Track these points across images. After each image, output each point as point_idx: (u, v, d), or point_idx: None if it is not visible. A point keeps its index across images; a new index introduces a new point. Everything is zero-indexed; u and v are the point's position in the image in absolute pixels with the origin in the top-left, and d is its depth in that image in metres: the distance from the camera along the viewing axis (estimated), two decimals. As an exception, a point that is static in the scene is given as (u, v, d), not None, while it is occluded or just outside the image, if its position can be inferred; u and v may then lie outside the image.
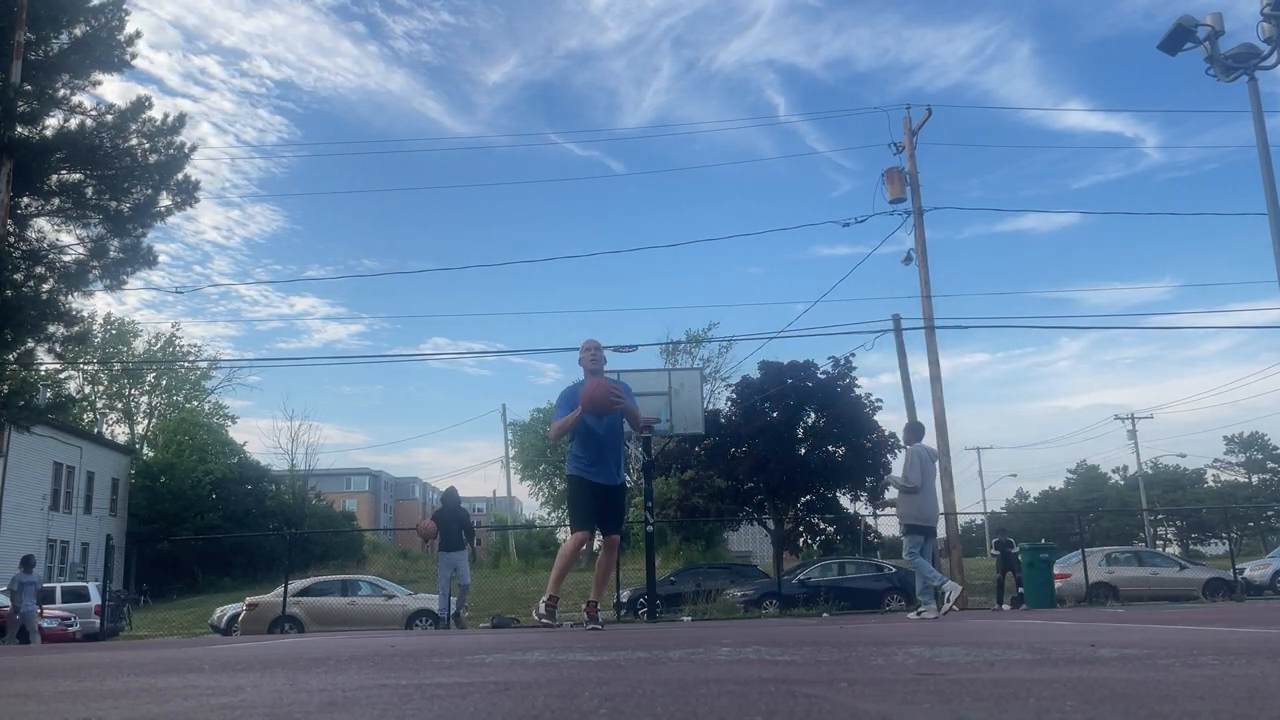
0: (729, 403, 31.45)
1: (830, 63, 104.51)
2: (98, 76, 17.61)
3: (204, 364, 57.45)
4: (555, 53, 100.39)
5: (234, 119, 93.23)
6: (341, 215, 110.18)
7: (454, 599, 14.02)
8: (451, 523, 13.69)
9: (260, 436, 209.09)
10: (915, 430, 10.42)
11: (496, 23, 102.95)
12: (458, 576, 13.78)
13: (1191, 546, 60.72)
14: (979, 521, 58.90)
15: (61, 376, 40.55)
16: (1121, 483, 70.76)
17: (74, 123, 17.14)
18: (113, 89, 75.12)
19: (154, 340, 57.86)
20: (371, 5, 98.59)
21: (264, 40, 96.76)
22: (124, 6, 17.68)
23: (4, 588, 17.09)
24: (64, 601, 20.34)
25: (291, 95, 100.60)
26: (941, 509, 21.28)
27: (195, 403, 57.44)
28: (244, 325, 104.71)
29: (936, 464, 9.89)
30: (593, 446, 7.07)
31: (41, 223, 17.56)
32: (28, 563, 17.04)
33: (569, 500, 7.38)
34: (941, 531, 22.80)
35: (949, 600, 9.30)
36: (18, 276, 16.46)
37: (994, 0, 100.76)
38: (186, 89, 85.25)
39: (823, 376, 29.16)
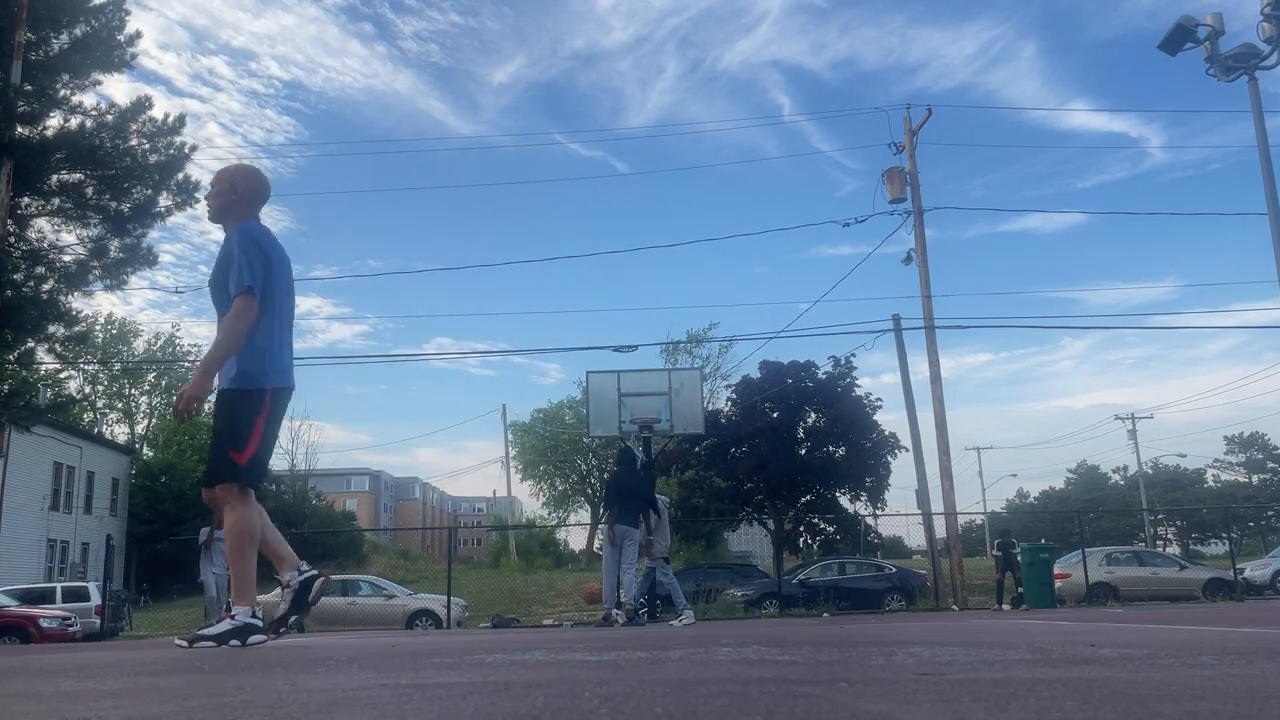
0: (729, 403, 31.46)
1: (836, 63, 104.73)
2: (98, 76, 17.61)
3: (204, 364, 57.39)
4: (560, 53, 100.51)
5: (241, 119, 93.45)
6: (347, 215, 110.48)
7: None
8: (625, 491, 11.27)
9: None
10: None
11: (504, 23, 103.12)
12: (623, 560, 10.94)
13: (1191, 546, 60.70)
14: (979, 521, 58.93)
15: (61, 376, 40.57)
16: (1122, 483, 70.75)
17: (74, 123, 17.14)
18: (120, 89, 75.38)
19: (154, 340, 57.93)
20: (381, 6, 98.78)
21: (273, 41, 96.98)
22: (124, 6, 17.68)
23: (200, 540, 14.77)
24: (64, 601, 20.32)
25: (299, 96, 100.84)
26: (941, 508, 21.37)
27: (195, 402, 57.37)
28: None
29: (667, 511, 12.48)
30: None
31: (41, 223, 17.55)
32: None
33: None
34: (941, 531, 22.89)
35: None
36: (18, 276, 16.45)
37: (999, 0, 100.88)
38: (195, 89, 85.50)
39: (823, 376, 29.15)
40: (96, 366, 50.97)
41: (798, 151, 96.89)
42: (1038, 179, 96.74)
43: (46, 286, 16.95)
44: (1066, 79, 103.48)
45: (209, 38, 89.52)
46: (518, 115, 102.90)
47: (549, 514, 64.69)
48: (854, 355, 30.51)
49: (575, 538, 65.22)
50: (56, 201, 17.35)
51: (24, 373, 17.77)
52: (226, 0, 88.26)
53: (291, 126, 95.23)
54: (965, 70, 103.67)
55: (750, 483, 29.22)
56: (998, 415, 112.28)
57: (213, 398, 4.32)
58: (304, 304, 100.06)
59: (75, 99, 17.24)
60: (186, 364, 56.78)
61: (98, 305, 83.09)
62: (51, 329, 16.67)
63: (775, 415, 29.00)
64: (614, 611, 10.97)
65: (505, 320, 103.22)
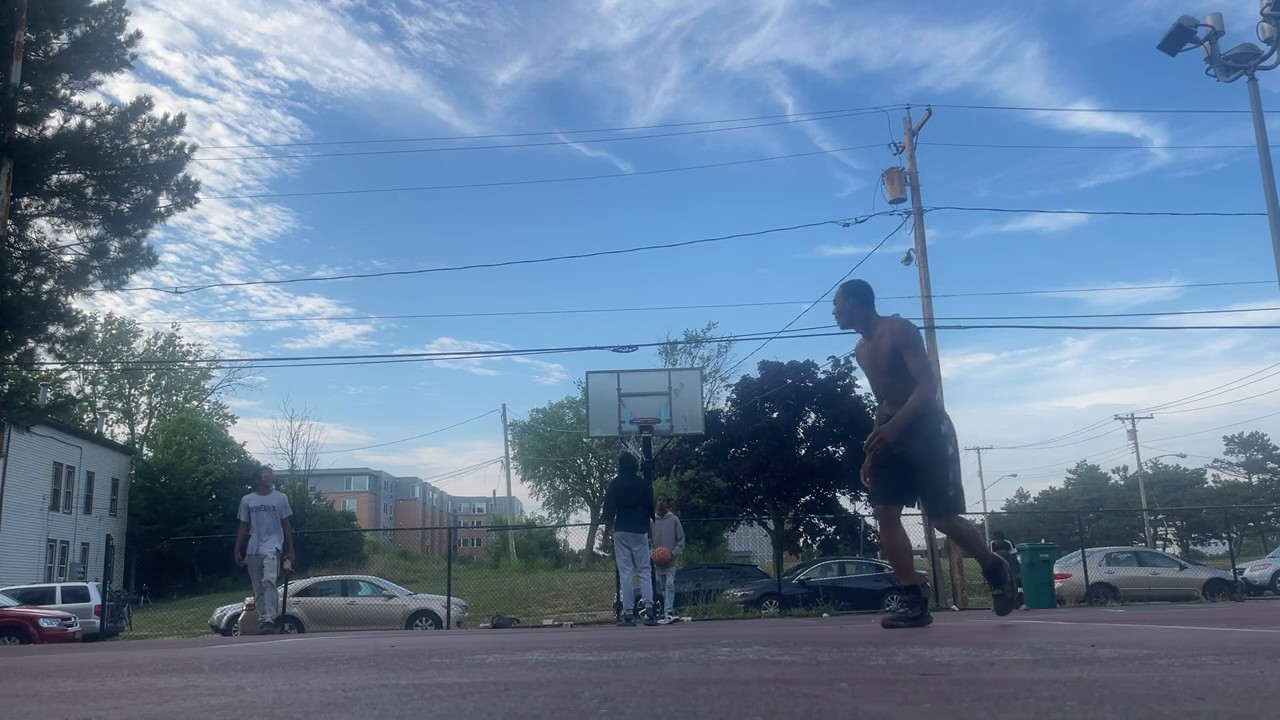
0: (729, 403, 31.50)
1: (839, 63, 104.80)
2: (98, 76, 17.60)
3: (203, 364, 57.50)
4: (565, 53, 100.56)
5: (247, 119, 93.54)
6: (350, 215, 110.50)
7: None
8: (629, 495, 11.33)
9: (261, 436, 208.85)
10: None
11: (509, 23, 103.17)
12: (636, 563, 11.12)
13: (1191, 546, 60.68)
14: (979, 522, 58.86)
15: (61, 376, 40.57)
16: (1121, 483, 70.73)
17: (74, 123, 17.14)
18: (124, 89, 75.15)
19: (154, 340, 57.91)
20: (387, 6, 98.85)
21: (279, 41, 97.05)
22: (124, 6, 17.67)
23: (242, 518, 11.33)
24: (64, 601, 20.33)
25: (305, 96, 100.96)
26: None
27: (195, 403, 57.43)
28: (252, 325, 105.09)
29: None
30: None
31: (41, 223, 17.54)
32: (262, 481, 11.77)
33: None
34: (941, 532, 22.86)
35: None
36: (18, 277, 16.44)
37: (1003, 1, 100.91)
38: (200, 89, 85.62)
39: (823, 377, 29.16)
40: (96, 366, 50.97)
41: (801, 152, 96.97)
42: (1041, 179, 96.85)
43: (46, 286, 16.94)
44: (1070, 79, 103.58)
45: (215, 38, 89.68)
46: (521, 116, 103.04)
47: (549, 514, 64.72)
48: (854, 356, 30.55)
49: (575, 538, 65.28)
50: (56, 201, 17.34)
51: (24, 373, 17.76)
52: (233, 1, 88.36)
53: (296, 127, 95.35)
54: (969, 70, 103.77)
55: (750, 483, 29.23)
56: (998, 415, 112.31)
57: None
58: (307, 304, 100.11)
59: (75, 99, 17.25)
60: (186, 364, 56.83)
61: (98, 305, 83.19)
62: (51, 329, 16.66)
63: (775, 415, 29.02)
64: (638, 610, 11.15)
65: (507, 320, 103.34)
